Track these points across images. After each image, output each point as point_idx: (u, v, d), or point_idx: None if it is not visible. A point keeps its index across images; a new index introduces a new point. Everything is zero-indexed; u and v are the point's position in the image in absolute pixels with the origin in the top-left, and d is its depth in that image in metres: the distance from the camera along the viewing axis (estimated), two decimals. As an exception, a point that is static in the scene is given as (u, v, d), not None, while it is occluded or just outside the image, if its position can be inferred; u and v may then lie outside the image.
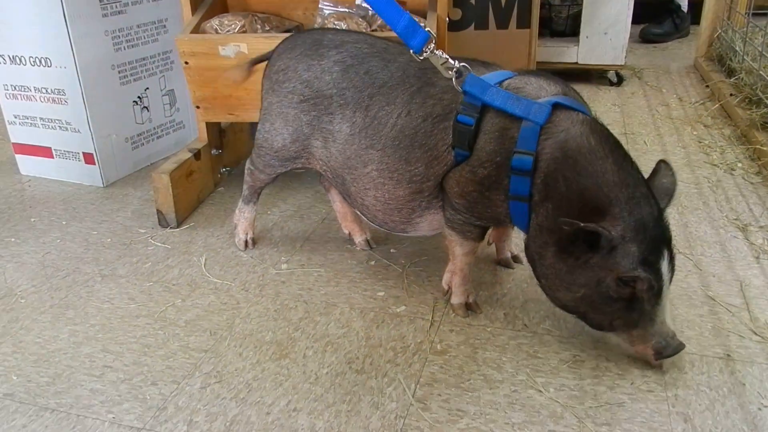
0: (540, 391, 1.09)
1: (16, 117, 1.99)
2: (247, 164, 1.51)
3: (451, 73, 1.13)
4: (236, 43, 1.64)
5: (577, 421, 1.03)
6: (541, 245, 1.11)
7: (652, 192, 1.06)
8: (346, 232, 1.59)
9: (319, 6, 1.81)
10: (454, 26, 2.45)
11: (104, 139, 1.94)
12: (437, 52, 1.14)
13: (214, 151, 1.90)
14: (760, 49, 2.36)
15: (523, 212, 1.12)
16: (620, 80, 2.84)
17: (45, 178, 2.04)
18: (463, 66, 1.13)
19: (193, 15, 1.77)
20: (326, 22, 1.76)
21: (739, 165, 1.95)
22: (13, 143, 2.05)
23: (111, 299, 1.39)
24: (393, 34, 1.17)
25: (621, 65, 2.76)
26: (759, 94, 2.22)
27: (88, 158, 1.95)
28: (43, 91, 1.90)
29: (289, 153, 1.39)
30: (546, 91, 1.12)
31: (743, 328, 1.22)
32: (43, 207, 1.84)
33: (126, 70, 1.98)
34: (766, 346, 1.18)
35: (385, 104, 1.23)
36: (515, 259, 1.46)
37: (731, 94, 2.42)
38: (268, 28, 1.79)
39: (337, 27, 1.71)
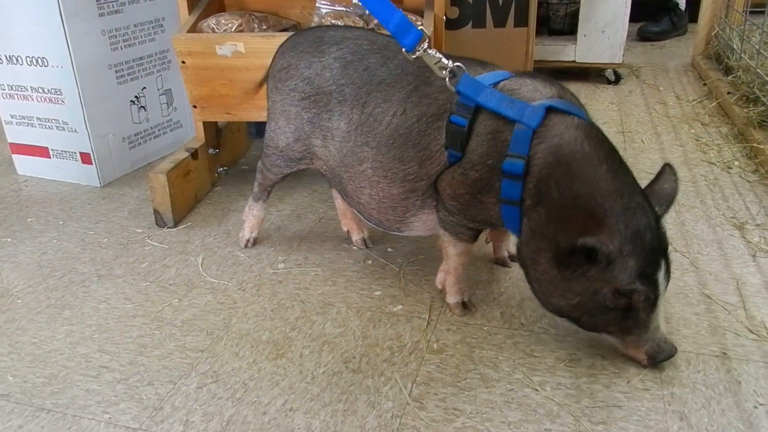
0: (536, 389, 1.09)
1: (12, 117, 1.99)
2: (259, 162, 1.52)
3: (445, 73, 1.12)
4: (233, 42, 1.64)
5: (573, 419, 1.03)
6: (535, 250, 1.09)
7: (648, 200, 1.05)
8: (345, 229, 1.59)
9: (316, 5, 1.80)
10: (452, 24, 2.45)
11: (101, 138, 1.94)
12: (430, 51, 1.13)
13: (211, 151, 1.90)
14: (757, 47, 2.36)
15: (515, 216, 1.11)
16: (618, 78, 2.84)
17: (42, 178, 2.03)
18: (457, 66, 1.12)
19: (189, 14, 1.77)
20: (323, 20, 1.75)
21: (736, 163, 1.95)
22: (9, 143, 2.05)
23: (107, 299, 1.39)
24: None
25: (618, 63, 2.76)
26: (756, 92, 2.22)
27: (85, 158, 1.95)
28: (40, 90, 1.90)
29: (293, 153, 1.39)
30: (541, 94, 1.11)
31: (739, 327, 1.23)
32: (40, 207, 1.84)
33: (123, 70, 1.97)
34: (761, 344, 1.18)
35: (381, 101, 1.23)
36: (512, 258, 1.46)
37: (728, 92, 2.42)
38: (265, 27, 1.79)
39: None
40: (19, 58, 1.87)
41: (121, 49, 1.95)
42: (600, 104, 2.57)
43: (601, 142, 1.07)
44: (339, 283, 1.42)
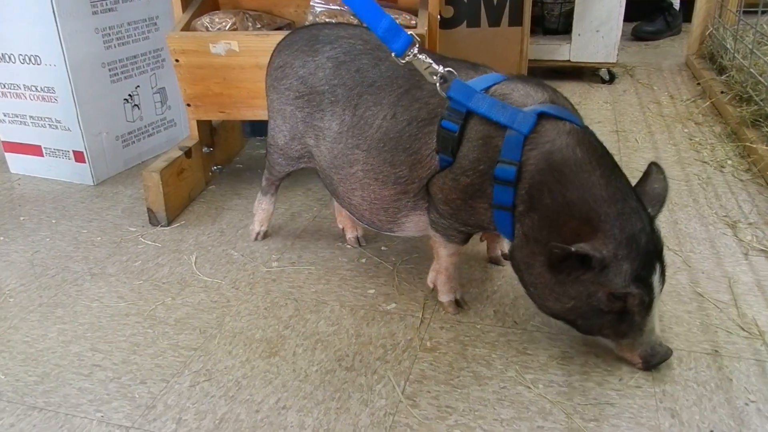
0: (529, 387, 1.10)
1: (5, 115, 1.98)
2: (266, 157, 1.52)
3: (436, 78, 1.11)
4: (227, 40, 1.64)
5: (565, 417, 1.03)
6: (529, 255, 1.09)
7: (642, 204, 1.04)
8: (340, 226, 1.59)
9: (311, 3, 1.80)
10: (447, 24, 2.45)
11: (95, 137, 1.94)
12: (420, 56, 1.11)
13: (205, 149, 1.90)
14: (750, 46, 2.37)
15: (507, 221, 1.11)
16: (612, 78, 2.85)
17: (35, 177, 2.03)
18: (448, 71, 1.10)
19: (183, 12, 1.77)
20: (317, 19, 1.75)
21: (729, 162, 1.96)
22: (2, 141, 2.04)
23: (100, 298, 1.39)
24: None
25: (613, 63, 2.77)
26: (749, 92, 2.23)
27: (79, 156, 1.94)
28: (33, 89, 1.89)
29: (292, 151, 1.39)
30: (533, 99, 1.09)
31: (731, 324, 1.23)
32: (33, 205, 1.84)
33: (117, 68, 1.97)
34: (753, 341, 1.18)
35: (372, 104, 1.22)
36: (506, 256, 1.47)
37: (722, 92, 2.43)
38: (259, 26, 1.79)
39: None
40: (12, 56, 1.86)
41: (115, 47, 1.95)
42: (594, 103, 2.58)
43: (594, 148, 1.06)
44: (333, 282, 1.42)
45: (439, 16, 1.77)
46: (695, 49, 3.05)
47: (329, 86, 1.28)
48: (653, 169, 1.12)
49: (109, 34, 1.92)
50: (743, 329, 1.22)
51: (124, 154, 2.06)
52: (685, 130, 2.25)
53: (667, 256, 1.12)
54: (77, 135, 1.90)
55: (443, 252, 1.26)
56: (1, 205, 1.84)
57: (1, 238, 1.66)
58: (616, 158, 1.09)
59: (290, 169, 1.45)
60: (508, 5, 2.42)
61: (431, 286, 1.34)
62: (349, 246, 1.57)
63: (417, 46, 1.11)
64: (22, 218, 1.76)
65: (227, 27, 1.73)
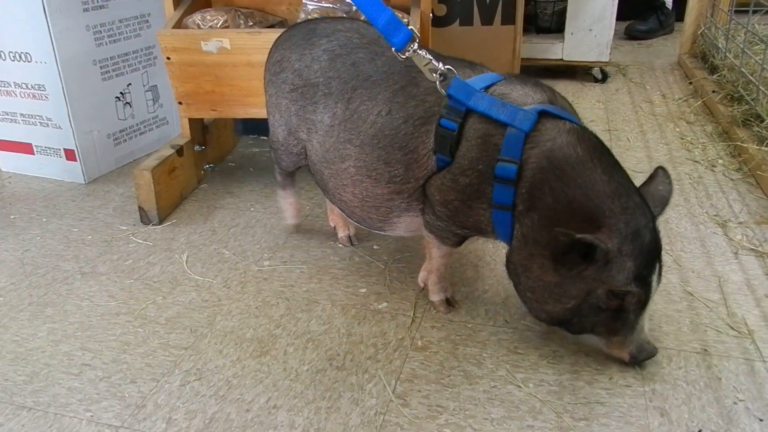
0: (519, 386, 1.10)
1: (-5, 113, 1.97)
2: None
3: (435, 76, 1.10)
4: (219, 38, 1.63)
5: (555, 416, 1.03)
6: (527, 257, 1.08)
7: (645, 201, 1.04)
8: (332, 225, 1.58)
9: (303, 1, 1.80)
10: (439, 22, 2.45)
11: (86, 135, 1.93)
12: (421, 52, 1.10)
13: (197, 148, 1.89)
14: (741, 46, 2.38)
15: (507, 222, 1.10)
16: (605, 77, 2.85)
17: (25, 175, 2.02)
18: (447, 69, 1.10)
19: (175, 10, 1.76)
20: (309, 17, 1.75)
21: (720, 161, 1.97)
22: (-7, 139, 2.03)
23: (91, 297, 1.38)
24: None
25: (606, 62, 2.78)
26: (740, 91, 2.24)
27: (70, 154, 1.93)
28: (24, 86, 1.88)
29: (291, 147, 1.38)
30: (532, 99, 1.09)
31: (720, 323, 1.24)
32: (23, 204, 1.83)
33: (108, 66, 1.96)
34: (742, 341, 1.19)
35: (366, 99, 1.21)
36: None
37: (713, 91, 2.44)
38: (251, 24, 1.78)
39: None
40: (2, 54, 1.85)
41: (106, 44, 1.94)
42: (587, 102, 2.59)
43: (595, 146, 1.06)
44: (324, 281, 1.42)
45: (431, 15, 1.77)
46: (687, 49, 3.06)
47: (324, 78, 1.27)
48: (660, 172, 1.11)
49: (101, 32, 1.91)
50: (732, 328, 1.22)
51: (116, 152, 2.05)
52: (677, 129, 2.26)
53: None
54: (68, 133, 1.89)
55: (436, 253, 1.26)
56: (-9, 204, 1.83)
57: (-9, 237, 1.65)
58: (609, 157, 1.09)
59: (294, 166, 1.44)
60: (501, 4, 2.42)
61: (422, 285, 1.34)
62: (341, 245, 1.57)
63: (417, 42, 1.10)
64: (12, 216, 1.75)
65: (219, 24, 1.72)
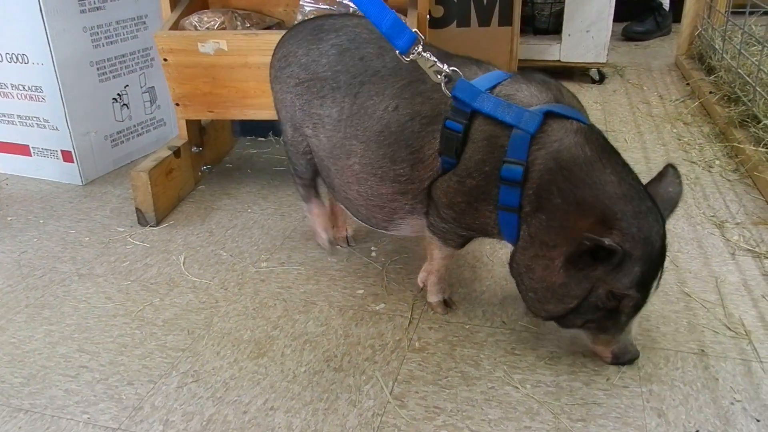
0: (517, 387, 1.10)
1: (-8, 114, 1.97)
2: None
3: (440, 77, 1.09)
4: (216, 39, 1.63)
5: (552, 417, 1.03)
6: (532, 257, 1.07)
7: (657, 205, 1.02)
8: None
9: (300, 3, 1.80)
10: (436, 23, 2.45)
11: (83, 136, 1.93)
12: (425, 54, 1.09)
13: (194, 149, 1.89)
14: (738, 47, 2.38)
15: (513, 223, 1.09)
16: (602, 78, 2.86)
17: (22, 177, 2.01)
18: (452, 70, 1.09)
19: (172, 11, 1.76)
20: (306, 19, 1.75)
21: (717, 162, 1.97)
22: (-10, 141, 2.03)
23: (88, 298, 1.38)
24: None
25: (603, 63, 2.78)
26: (737, 92, 2.25)
27: (67, 156, 1.93)
28: (21, 88, 1.88)
29: (297, 145, 1.36)
30: (538, 99, 1.08)
31: (718, 324, 1.24)
32: (20, 205, 1.82)
33: (105, 67, 1.96)
34: (739, 341, 1.19)
35: (374, 94, 1.19)
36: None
37: (710, 92, 2.44)
38: (248, 25, 1.78)
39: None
40: (-2, 55, 1.85)
41: (103, 46, 1.94)
42: (584, 103, 2.54)
43: (603, 146, 1.05)
44: (322, 282, 1.42)
45: (428, 16, 1.77)
46: (684, 50, 3.07)
47: (332, 72, 1.25)
48: (669, 171, 1.10)
49: (98, 33, 1.91)
50: (730, 329, 1.23)
51: (113, 154, 2.05)
52: (674, 131, 2.26)
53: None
54: (65, 134, 1.89)
55: (437, 254, 1.25)
56: (-12, 205, 1.83)
57: (-12, 239, 1.64)
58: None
59: (311, 171, 1.39)
60: (498, 5, 2.42)
61: (421, 285, 1.34)
62: (338, 246, 1.56)
63: (422, 44, 1.09)
64: (9, 218, 1.75)
65: (216, 26, 1.72)
